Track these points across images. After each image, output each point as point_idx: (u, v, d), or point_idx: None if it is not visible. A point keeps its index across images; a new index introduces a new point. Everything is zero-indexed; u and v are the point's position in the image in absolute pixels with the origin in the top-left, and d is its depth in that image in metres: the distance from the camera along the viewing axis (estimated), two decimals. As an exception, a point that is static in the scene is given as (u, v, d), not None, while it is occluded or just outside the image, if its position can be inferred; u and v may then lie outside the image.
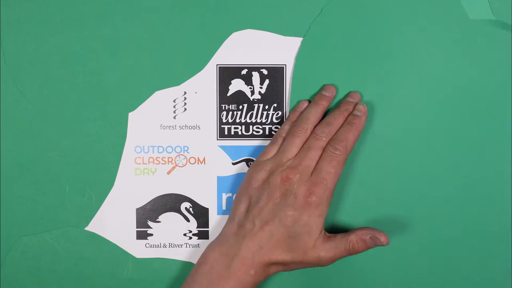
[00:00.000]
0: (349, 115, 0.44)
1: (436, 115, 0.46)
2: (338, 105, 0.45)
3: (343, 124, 0.43)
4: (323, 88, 0.45)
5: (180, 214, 0.47)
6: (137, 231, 0.47)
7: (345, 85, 0.46)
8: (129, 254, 0.47)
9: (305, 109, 0.45)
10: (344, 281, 0.47)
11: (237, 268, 0.40)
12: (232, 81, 0.47)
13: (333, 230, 0.46)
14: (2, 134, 0.47)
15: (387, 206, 0.47)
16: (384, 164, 0.46)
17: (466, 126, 0.46)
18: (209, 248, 0.42)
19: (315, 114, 0.44)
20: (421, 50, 0.46)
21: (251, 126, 0.47)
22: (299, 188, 0.41)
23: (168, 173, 0.47)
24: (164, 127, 0.47)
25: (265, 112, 0.47)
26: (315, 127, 0.43)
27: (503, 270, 0.46)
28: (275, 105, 0.47)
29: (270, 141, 0.45)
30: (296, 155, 0.42)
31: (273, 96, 0.47)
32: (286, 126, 0.44)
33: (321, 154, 0.42)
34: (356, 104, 0.44)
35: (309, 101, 0.46)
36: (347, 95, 0.45)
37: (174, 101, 0.47)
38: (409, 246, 0.46)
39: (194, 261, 0.47)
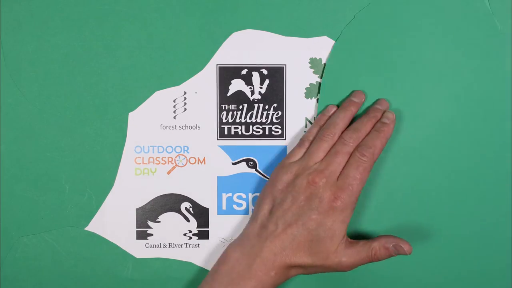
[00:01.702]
0: (377, 122, 0.44)
1: (462, 126, 0.46)
2: (367, 111, 0.44)
3: (370, 130, 0.43)
4: (352, 94, 0.45)
5: (180, 214, 0.47)
6: (137, 231, 0.47)
7: (373, 92, 0.46)
8: (129, 254, 0.47)
9: (333, 114, 0.45)
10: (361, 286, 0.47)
11: (258, 268, 0.40)
12: (232, 81, 0.47)
13: (355, 237, 0.46)
14: (2, 134, 0.47)
15: (409, 215, 0.47)
16: (408, 172, 0.46)
17: (493, 137, 0.46)
18: (230, 247, 0.42)
19: (343, 119, 0.43)
20: (451, 61, 0.46)
21: (251, 126, 0.47)
22: (325, 192, 0.41)
23: (168, 173, 0.47)
24: (164, 127, 0.47)
25: (265, 112, 0.47)
26: (342, 132, 0.43)
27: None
28: (275, 105, 0.47)
29: (297, 143, 0.45)
30: (322, 159, 0.42)
31: (273, 96, 0.47)
32: (313, 129, 0.44)
33: (348, 160, 0.42)
34: (384, 112, 0.44)
35: (337, 106, 0.45)
36: (376, 102, 0.45)
37: (174, 101, 0.47)
38: (430, 255, 0.46)
39: (194, 261, 0.47)
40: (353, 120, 0.45)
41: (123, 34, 0.47)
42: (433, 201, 0.46)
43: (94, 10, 0.46)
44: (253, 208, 0.47)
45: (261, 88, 0.47)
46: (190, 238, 0.48)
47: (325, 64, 0.46)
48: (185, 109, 0.47)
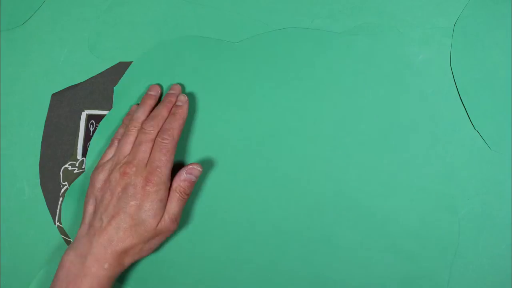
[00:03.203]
0: (172, 106, 0.47)
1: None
2: (163, 98, 0.47)
3: (168, 115, 0.46)
4: (149, 88, 0.48)
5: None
6: None
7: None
8: None
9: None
10: None
11: (91, 264, 0.42)
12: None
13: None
14: (2, 137, 0.47)
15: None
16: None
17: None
18: (65, 253, 0.43)
19: (143, 112, 0.47)
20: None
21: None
22: (137, 179, 0.43)
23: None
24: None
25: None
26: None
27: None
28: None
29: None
30: (131, 151, 0.45)
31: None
32: (121, 129, 0.48)
33: (153, 146, 0.45)
34: (178, 95, 0.47)
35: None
36: (170, 88, 0.48)
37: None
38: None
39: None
40: None
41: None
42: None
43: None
44: None
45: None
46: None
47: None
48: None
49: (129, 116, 0.48)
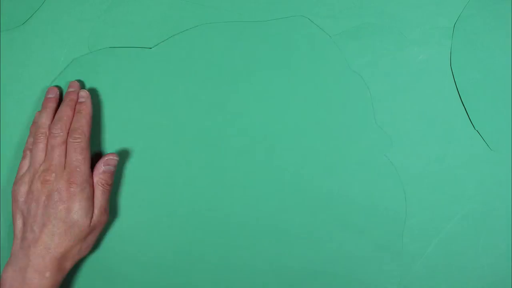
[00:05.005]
0: (75, 104, 0.46)
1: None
2: (63, 98, 0.47)
3: (74, 114, 0.45)
4: (47, 91, 0.47)
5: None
6: None
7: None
8: None
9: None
10: None
11: (32, 276, 0.42)
12: None
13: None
14: (2, 137, 0.47)
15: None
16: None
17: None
18: (3, 270, 0.43)
19: (47, 116, 0.46)
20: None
21: None
22: (59, 184, 0.43)
23: None
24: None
25: None
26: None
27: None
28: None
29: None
30: (45, 159, 0.44)
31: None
32: (30, 139, 0.47)
33: (66, 148, 0.44)
34: (78, 92, 0.47)
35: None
36: (69, 86, 0.47)
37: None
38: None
39: None
40: None
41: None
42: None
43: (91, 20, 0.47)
44: None
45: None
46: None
47: None
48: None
49: (35, 124, 0.47)
